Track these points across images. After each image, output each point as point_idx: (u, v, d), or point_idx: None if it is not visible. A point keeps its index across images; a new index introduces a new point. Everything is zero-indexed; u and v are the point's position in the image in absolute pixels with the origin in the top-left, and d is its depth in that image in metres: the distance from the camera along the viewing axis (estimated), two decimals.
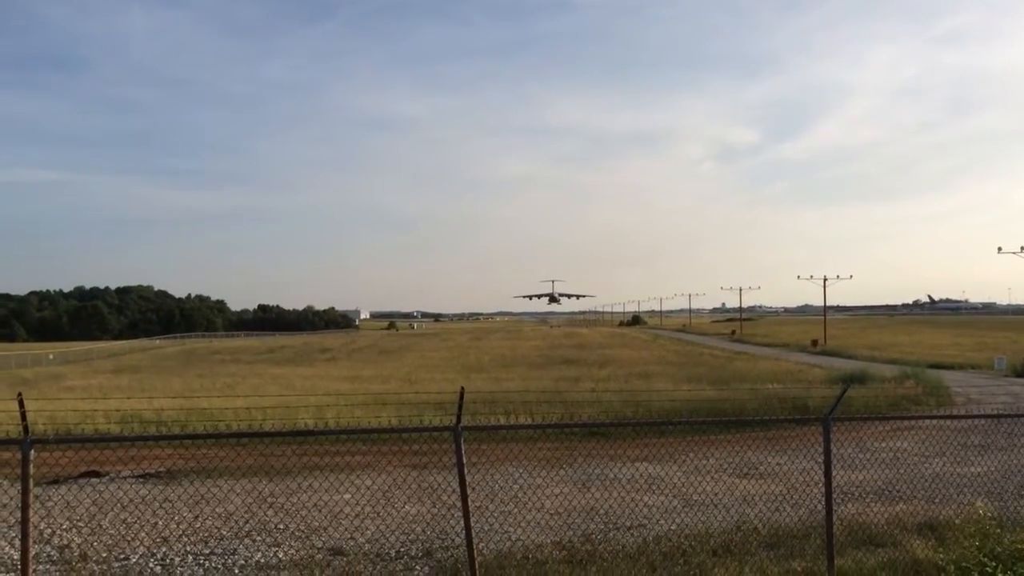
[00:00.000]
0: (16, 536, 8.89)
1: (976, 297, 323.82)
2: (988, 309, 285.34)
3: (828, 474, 8.34)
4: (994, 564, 6.50)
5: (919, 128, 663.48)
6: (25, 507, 6.49)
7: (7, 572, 9.05)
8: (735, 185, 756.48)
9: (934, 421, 19.93)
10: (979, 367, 45.22)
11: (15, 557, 9.23)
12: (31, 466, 6.59)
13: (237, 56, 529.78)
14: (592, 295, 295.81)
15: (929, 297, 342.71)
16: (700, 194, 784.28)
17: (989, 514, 7.13)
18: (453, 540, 10.21)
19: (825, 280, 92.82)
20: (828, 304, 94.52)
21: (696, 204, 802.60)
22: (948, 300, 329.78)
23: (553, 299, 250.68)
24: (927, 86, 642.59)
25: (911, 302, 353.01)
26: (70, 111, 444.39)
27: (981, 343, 70.01)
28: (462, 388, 7.59)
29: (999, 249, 70.22)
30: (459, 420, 7.40)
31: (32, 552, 6.79)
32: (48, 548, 9.98)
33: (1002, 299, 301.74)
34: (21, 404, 6.53)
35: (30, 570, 6.63)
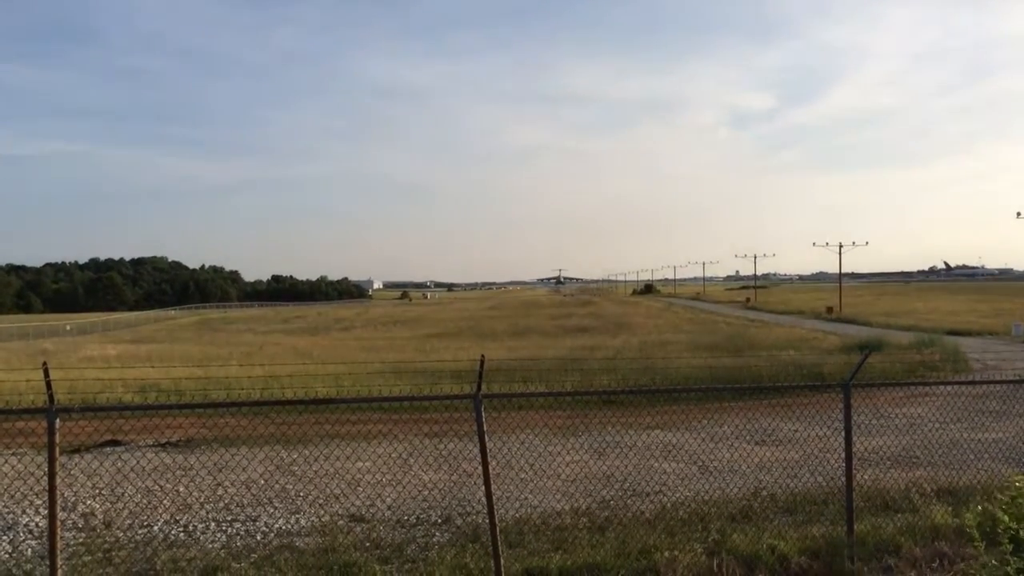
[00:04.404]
0: (42, 504, 9.03)
1: (993, 263, 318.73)
2: (1005, 275, 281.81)
3: (848, 440, 8.31)
4: (1016, 526, 6.42)
5: (938, 92, 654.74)
6: (52, 475, 6.54)
7: (34, 539, 9.19)
8: (750, 152, 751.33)
9: (951, 387, 19.84)
10: (996, 333, 44.86)
11: (41, 524, 9.38)
12: (56, 435, 6.63)
13: (249, 25, 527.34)
14: (595, 278, 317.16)
15: (945, 263, 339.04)
16: (714, 161, 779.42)
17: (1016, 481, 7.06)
18: (473, 507, 10.30)
19: (841, 247, 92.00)
20: (843, 271, 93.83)
21: (710, 171, 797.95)
22: (964, 266, 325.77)
23: (560, 283, 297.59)
24: (946, 49, 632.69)
25: (927, 269, 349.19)
26: (83, 82, 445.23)
27: (998, 309, 69.30)
28: (483, 356, 7.53)
29: (1018, 214, 69.57)
30: (480, 388, 7.39)
31: (59, 519, 6.86)
32: (73, 516, 10.12)
33: (1019, 265, 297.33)
34: (46, 374, 6.50)
35: (58, 537, 6.71)
